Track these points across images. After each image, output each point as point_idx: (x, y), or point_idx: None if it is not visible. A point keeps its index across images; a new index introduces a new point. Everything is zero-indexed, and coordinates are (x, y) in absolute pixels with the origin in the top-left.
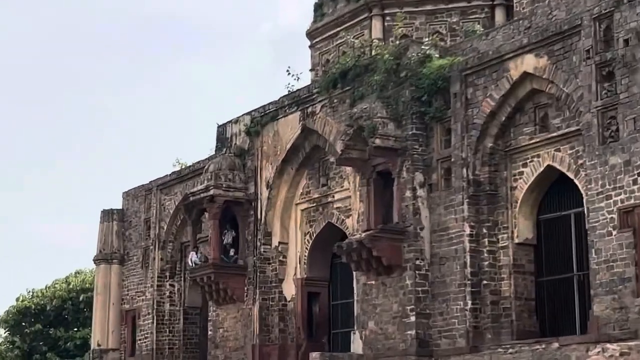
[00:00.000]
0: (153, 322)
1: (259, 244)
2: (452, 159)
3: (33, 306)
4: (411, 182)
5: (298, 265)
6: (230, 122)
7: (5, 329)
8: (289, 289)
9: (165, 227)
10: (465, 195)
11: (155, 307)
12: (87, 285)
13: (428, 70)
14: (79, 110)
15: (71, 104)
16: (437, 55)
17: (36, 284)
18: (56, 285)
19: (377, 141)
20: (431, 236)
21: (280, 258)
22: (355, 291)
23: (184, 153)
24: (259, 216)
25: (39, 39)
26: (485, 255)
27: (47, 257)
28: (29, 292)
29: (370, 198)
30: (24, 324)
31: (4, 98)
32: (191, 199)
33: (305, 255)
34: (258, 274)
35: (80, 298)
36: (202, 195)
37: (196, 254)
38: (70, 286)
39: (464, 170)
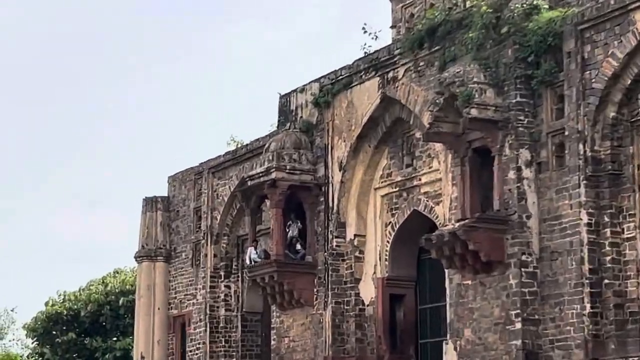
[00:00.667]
0: (206, 330)
1: (330, 236)
2: (566, 132)
3: (65, 312)
4: (515, 161)
5: (378, 262)
6: (294, 91)
7: (33, 339)
8: (368, 291)
9: (218, 218)
10: (582, 176)
11: (208, 312)
12: (127, 287)
13: (535, 24)
14: (111, 83)
15: (102, 77)
16: (547, 6)
17: (68, 286)
18: (91, 287)
19: (473, 111)
20: (540, 226)
21: (357, 254)
22: (447, 293)
23: (240, 129)
24: (330, 204)
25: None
26: (607, 248)
27: (80, 255)
28: (60, 295)
29: (465, 180)
30: (54, 332)
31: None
32: (249, 183)
33: (386, 250)
34: (330, 272)
35: (120, 302)
36: (262, 179)
37: (255, 249)
38: (108, 288)
39: (581, 145)
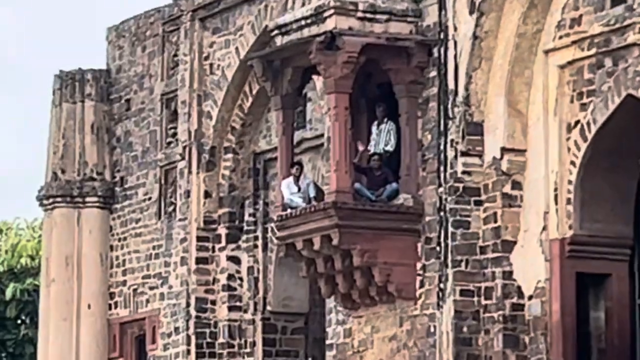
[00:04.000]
0: (189, 352)
1: (451, 154)
2: None
3: None
4: None
5: (553, 207)
6: None
7: None
8: (530, 268)
9: (214, 116)
10: None
11: (193, 313)
12: (23, 262)
13: None
14: None
15: None
16: None
17: None
18: None
19: None
20: None
21: (507, 189)
22: None
23: None
24: (451, 84)
25: None
26: None
27: None
28: None
29: None
30: None
31: None
32: (279, 42)
33: (571, 182)
34: (450, 229)
35: (8, 292)
36: (306, 31)
37: (296, 182)
38: None
39: None
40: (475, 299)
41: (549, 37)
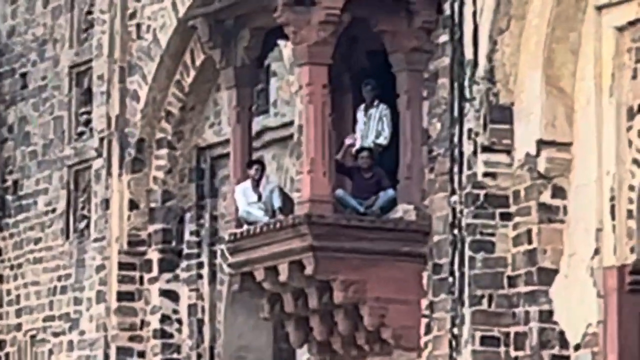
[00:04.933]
0: None
1: (469, 149)
2: None
3: None
4: None
5: (609, 221)
6: None
7: None
8: (578, 305)
9: (143, 95)
10: None
11: None
12: None
13: None
14: None
15: None
16: None
17: None
18: None
19: None
20: None
21: (545, 198)
22: None
23: None
24: (465, 54)
25: None
26: None
27: None
28: None
29: None
30: None
31: None
32: None
33: (633, 188)
34: (467, 253)
35: None
36: None
37: (255, 186)
38: None
39: None
40: (502, 349)
41: None
